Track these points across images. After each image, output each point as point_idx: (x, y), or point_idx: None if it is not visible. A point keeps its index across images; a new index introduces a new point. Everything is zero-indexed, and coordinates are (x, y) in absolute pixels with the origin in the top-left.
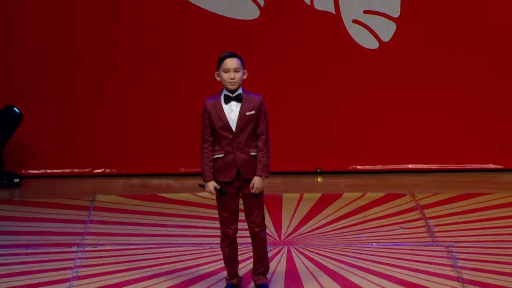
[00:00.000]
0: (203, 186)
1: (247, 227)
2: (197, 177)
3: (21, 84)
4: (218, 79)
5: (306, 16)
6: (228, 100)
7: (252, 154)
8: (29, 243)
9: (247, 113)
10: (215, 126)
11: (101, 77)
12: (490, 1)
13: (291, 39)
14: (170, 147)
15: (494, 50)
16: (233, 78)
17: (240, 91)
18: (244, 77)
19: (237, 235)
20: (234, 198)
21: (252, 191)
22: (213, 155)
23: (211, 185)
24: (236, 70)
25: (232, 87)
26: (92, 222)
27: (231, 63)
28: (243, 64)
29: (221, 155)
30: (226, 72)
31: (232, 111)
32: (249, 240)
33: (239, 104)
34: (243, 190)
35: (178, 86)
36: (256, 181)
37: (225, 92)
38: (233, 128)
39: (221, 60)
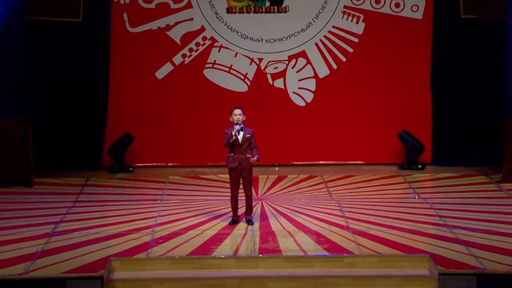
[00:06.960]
0: (238, 132)
1: (243, 191)
2: (218, 168)
3: (131, 118)
4: (231, 119)
5: (269, 90)
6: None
7: (247, 155)
8: (134, 198)
9: (246, 136)
10: (231, 141)
11: (174, 113)
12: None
13: (263, 101)
14: (204, 151)
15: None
16: (239, 119)
17: (242, 125)
18: (244, 118)
19: (238, 196)
20: (238, 179)
21: (253, 159)
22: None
23: (235, 128)
24: (240, 115)
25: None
26: (167, 189)
27: (238, 111)
28: (243, 112)
29: (232, 154)
30: (235, 115)
31: (239, 135)
32: (243, 198)
33: (242, 132)
34: (242, 174)
35: (208, 120)
36: (253, 160)
37: (234, 126)
38: (240, 142)
39: (232, 111)
